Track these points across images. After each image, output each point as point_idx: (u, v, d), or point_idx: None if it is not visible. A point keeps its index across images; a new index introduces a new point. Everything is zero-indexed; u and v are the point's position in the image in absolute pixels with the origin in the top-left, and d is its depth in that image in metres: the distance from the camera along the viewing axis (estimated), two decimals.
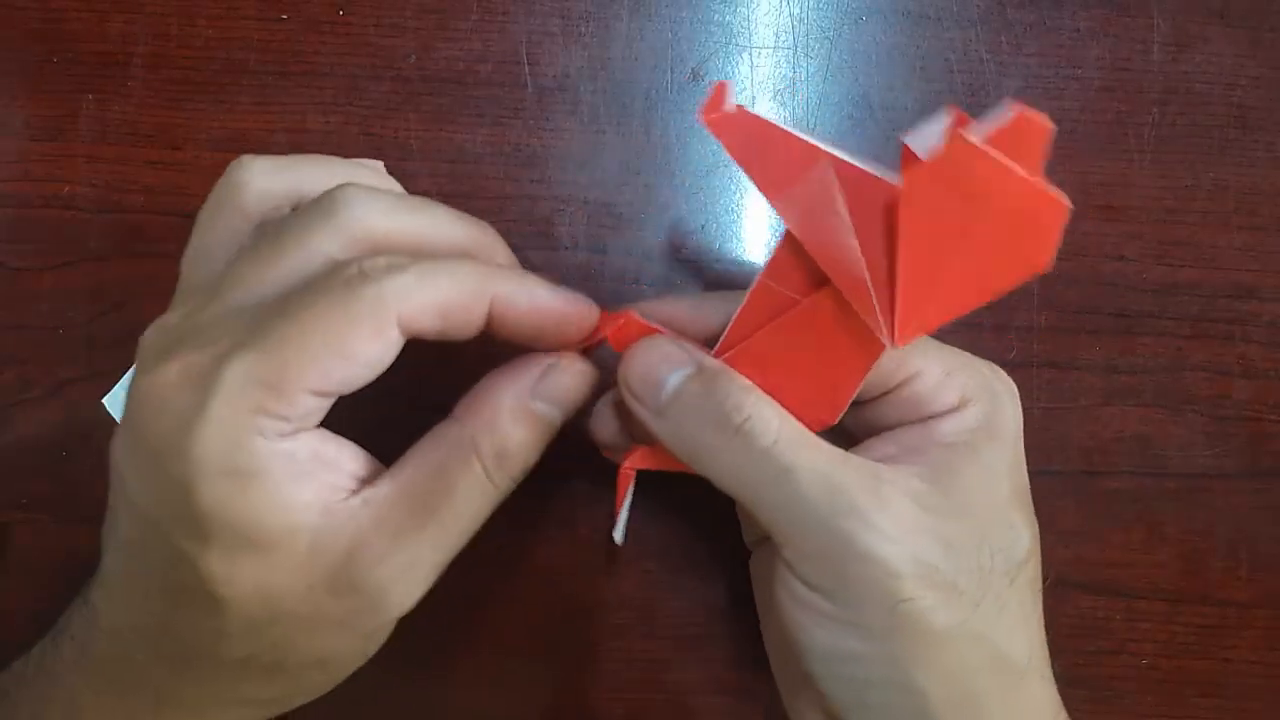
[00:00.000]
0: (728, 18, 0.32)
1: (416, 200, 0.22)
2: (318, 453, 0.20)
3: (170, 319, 0.21)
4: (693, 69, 0.32)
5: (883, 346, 0.20)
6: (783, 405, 0.21)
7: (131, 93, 0.31)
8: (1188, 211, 0.32)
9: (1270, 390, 0.32)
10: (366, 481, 0.21)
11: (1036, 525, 0.22)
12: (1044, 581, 0.22)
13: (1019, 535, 0.21)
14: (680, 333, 0.23)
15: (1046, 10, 0.33)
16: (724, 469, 0.21)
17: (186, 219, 0.24)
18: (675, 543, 0.31)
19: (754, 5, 0.32)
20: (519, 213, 0.31)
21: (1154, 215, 0.32)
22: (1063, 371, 0.32)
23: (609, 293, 0.31)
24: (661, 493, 0.28)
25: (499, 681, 0.31)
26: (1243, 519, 0.32)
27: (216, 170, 0.24)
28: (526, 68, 0.32)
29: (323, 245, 0.20)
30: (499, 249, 0.24)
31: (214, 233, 0.23)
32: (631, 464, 0.25)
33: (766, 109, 0.32)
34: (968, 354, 0.23)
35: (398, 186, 0.26)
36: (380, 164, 0.27)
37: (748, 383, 0.21)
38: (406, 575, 0.20)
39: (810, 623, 0.21)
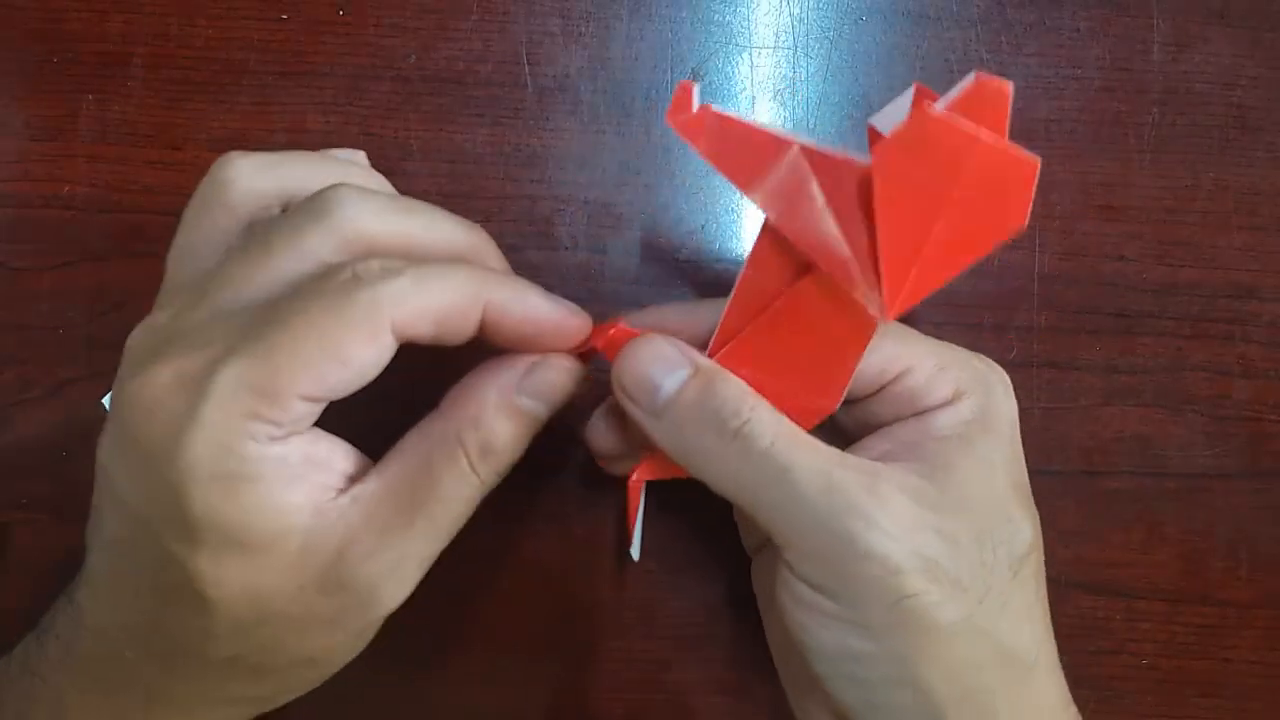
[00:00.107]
0: (728, 18, 0.32)
1: (409, 201, 0.22)
2: (309, 454, 0.20)
3: (158, 319, 0.21)
4: (693, 69, 0.32)
5: (875, 323, 0.20)
6: (782, 396, 0.21)
7: (131, 93, 0.31)
8: (1188, 211, 0.32)
9: (1270, 390, 0.32)
10: (355, 478, 0.21)
11: (1038, 518, 0.22)
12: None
13: (1019, 528, 0.21)
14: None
15: (1046, 10, 0.33)
16: (722, 472, 0.21)
17: None
18: (675, 543, 0.31)
19: (754, 5, 0.32)
20: (519, 213, 0.31)
21: (1154, 215, 0.32)
22: (1063, 371, 0.32)
23: (609, 293, 0.31)
24: (661, 493, 0.28)
25: (491, 679, 0.31)
26: (1243, 519, 0.32)
27: None
28: (526, 68, 0.32)
29: (314, 247, 0.20)
30: (491, 252, 0.23)
31: (200, 230, 0.23)
32: (640, 476, 0.25)
33: (766, 109, 0.32)
34: (960, 348, 0.23)
35: (384, 181, 0.25)
36: (363, 154, 0.27)
37: (744, 384, 0.21)
38: (395, 571, 0.20)
39: (814, 623, 0.21)
